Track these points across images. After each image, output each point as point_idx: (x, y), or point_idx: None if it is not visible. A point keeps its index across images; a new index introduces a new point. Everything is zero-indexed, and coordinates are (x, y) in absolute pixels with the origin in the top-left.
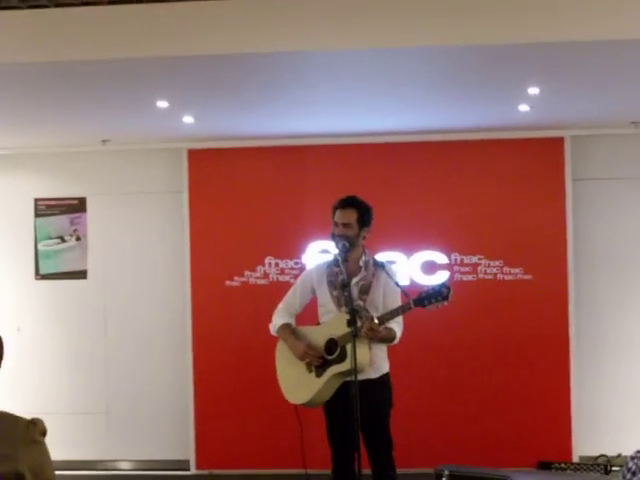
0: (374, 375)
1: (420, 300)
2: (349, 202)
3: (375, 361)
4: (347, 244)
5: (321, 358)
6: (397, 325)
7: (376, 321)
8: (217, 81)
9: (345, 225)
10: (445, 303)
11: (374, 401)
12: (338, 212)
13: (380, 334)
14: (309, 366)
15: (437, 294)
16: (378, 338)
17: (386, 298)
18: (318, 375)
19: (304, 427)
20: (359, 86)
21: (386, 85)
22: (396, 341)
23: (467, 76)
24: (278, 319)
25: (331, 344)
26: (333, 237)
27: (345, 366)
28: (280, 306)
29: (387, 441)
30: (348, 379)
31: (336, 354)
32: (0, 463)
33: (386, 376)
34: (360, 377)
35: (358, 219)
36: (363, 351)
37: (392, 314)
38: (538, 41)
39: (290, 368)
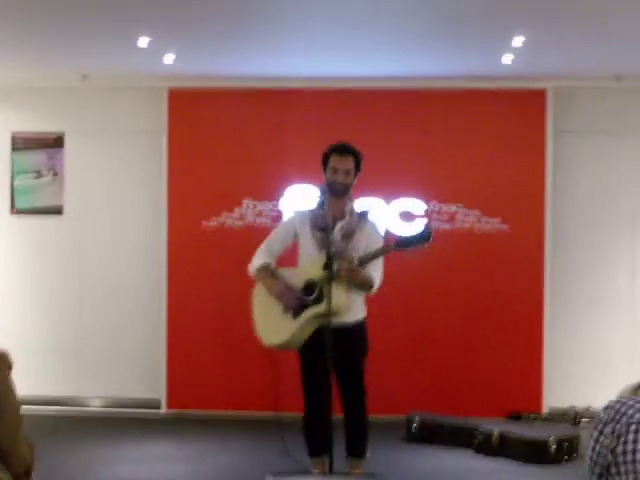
0: (350, 319)
1: (400, 243)
2: (347, 149)
3: (352, 306)
4: (343, 190)
5: (298, 299)
6: (377, 274)
7: (356, 262)
8: (200, 16)
9: (347, 172)
10: (425, 245)
11: (349, 347)
12: (336, 158)
13: (359, 276)
14: (286, 307)
15: (418, 237)
16: (356, 281)
17: (369, 247)
18: (295, 316)
19: (277, 370)
20: (340, 31)
21: (367, 30)
22: (373, 290)
23: (450, 23)
24: (258, 259)
25: (310, 286)
26: (330, 184)
27: (323, 308)
28: (261, 247)
29: (360, 387)
30: (325, 322)
31: (314, 296)
32: None
33: (362, 323)
34: (336, 322)
35: (355, 166)
36: (340, 294)
37: (373, 255)
38: None
39: (267, 309)
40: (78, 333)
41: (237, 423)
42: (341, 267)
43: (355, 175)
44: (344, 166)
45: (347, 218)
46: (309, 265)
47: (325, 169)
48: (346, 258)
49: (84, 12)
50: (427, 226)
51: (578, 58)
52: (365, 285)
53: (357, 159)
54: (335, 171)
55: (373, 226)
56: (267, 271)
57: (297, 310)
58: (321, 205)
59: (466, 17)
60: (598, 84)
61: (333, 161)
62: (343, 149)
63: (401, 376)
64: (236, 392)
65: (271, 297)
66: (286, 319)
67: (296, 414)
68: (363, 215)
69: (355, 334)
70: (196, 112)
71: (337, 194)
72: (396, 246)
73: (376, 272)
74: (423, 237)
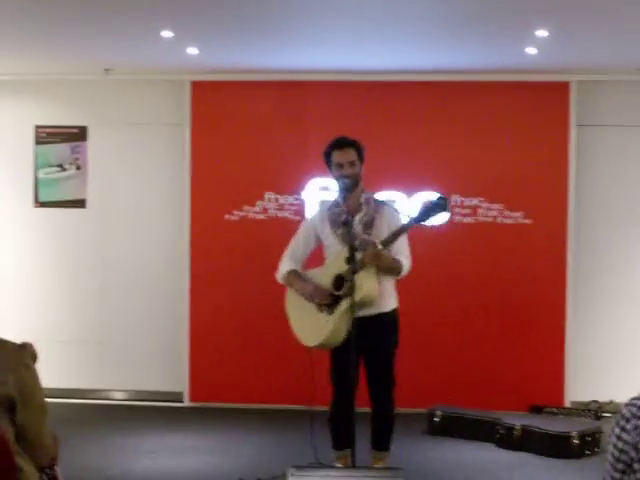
0: (385, 308)
1: (419, 216)
2: (347, 142)
3: (385, 295)
4: (353, 182)
5: (330, 295)
6: (405, 258)
7: (379, 247)
8: (222, 10)
9: (351, 163)
10: (444, 214)
11: (383, 337)
12: (338, 153)
13: (384, 259)
14: (320, 307)
15: (435, 206)
16: (384, 265)
17: (391, 230)
18: (330, 313)
19: (312, 364)
20: (363, 23)
21: (390, 23)
22: (404, 272)
23: (473, 15)
24: (283, 266)
25: (338, 280)
26: (339, 178)
27: (356, 296)
28: (285, 254)
29: (391, 379)
30: (361, 314)
31: (344, 289)
32: None
33: (395, 312)
34: (371, 311)
35: (358, 157)
36: (371, 282)
37: (394, 235)
38: None
39: (302, 312)
40: (101, 325)
41: (259, 416)
42: (366, 254)
43: (360, 165)
44: (347, 159)
45: (364, 209)
46: (334, 260)
47: (330, 168)
48: (370, 243)
49: (107, 5)
50: (441, 196)
51: (602, 51)
52: (394, 268)
53: (358, 149)
54: (340, 166)
55: (391, 209)
56: (294, 275)
57: (331, 306)
58: (336, 202)
59: (490, 9)
60: (621, 77)
61: (336, 157)
62: (343, 143)
63: (423, 369)
64: (258, 385)
65: (303, 300)
66: (322, 317)
67: (321, 407)
68: (380, 202)
69: (389, 324)
70: (218, 105)
71: (348, 188)
72: (416, 220)
73: (403, 254)
74: (439, 205)
